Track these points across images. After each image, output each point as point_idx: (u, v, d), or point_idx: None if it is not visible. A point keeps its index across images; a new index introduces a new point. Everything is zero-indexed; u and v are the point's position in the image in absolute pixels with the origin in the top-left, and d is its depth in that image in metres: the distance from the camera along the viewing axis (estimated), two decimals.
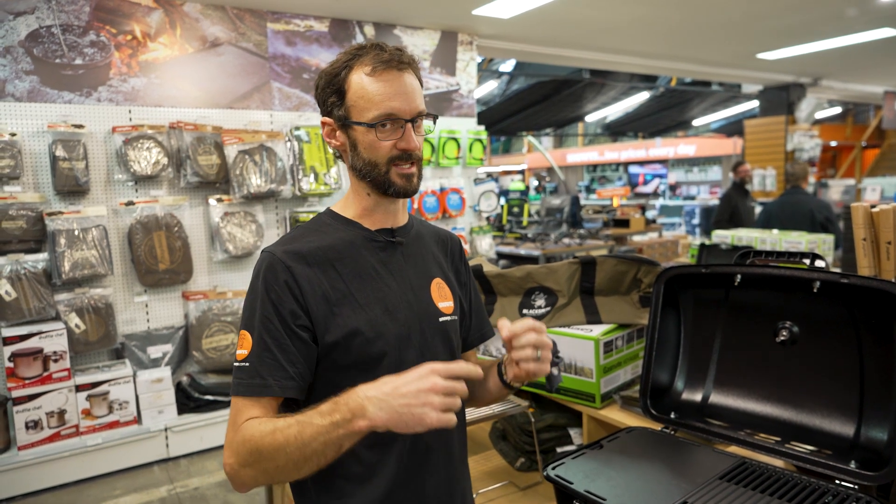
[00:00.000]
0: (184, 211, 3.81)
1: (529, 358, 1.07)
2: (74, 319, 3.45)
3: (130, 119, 3.72)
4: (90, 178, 3.52)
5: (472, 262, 1.85)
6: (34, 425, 3.29)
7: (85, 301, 3.49)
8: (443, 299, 1.20)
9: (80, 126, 3.48)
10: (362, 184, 1.13)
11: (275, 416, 1.00)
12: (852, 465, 1.04)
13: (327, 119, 1.14)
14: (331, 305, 1.06)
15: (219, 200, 3.90)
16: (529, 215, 7.08)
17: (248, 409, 1.00)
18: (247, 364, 1.02)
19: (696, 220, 11.74)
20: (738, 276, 1.26)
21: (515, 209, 7.10)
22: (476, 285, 1.39)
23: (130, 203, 3.64)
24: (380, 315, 1.09)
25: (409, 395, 0.87)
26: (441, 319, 1.18)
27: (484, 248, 5.14)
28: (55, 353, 3.31)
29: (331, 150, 1.18)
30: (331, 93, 1.11)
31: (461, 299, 1.26)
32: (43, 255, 3.40)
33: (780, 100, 8.48)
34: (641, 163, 18.43)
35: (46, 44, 3.49)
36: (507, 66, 10.29)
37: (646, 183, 18.66)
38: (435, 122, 1.16)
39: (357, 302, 1.08)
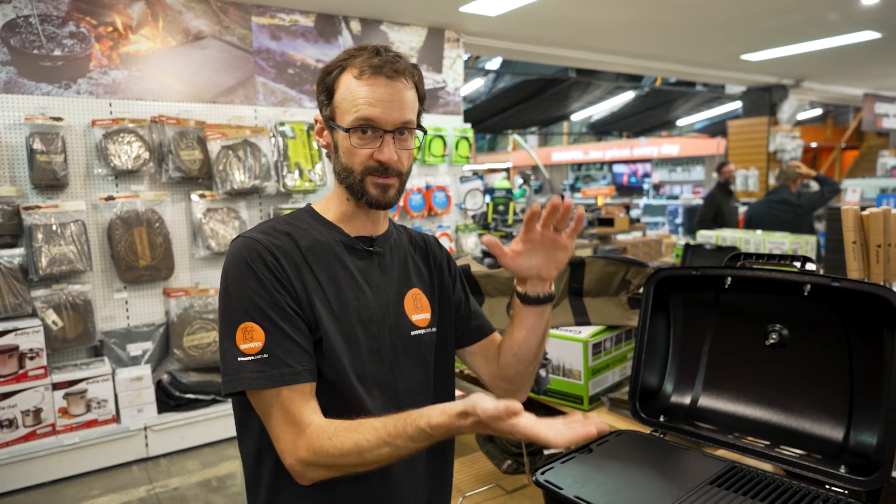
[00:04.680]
0: (165, 206, 3.75)
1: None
2: (52, 316, 3.37)
3: (111, 112, 3.65)
4: (69, 171, 3.45)
5: (459, 262, 1.83)
6: (9, 424, 3.22)
7: (63, 297, 3.41)
8: (418, 311, 1.16)
9: (59, 119, 3.40)
10: (341, 188, 1.11)
11: (353, 424, 0.94)
12: (842, 470, 1.03)
13: (318, 116, 1.12)
14: (308, 304, 1.02)
15: (201, 196, 3.84)
16: (515, 213, 7.08)
17: (297, 403, 0.97)
18: (265, 355, 0.96)
19: (679, 220, 11.83)
20: (729, 279, 1.25)
21: (501, 207, 7.08)
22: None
23: (110, 198, 3.57)
24: (353, 325, 1.05)
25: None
26: (413, 333, 1.14)
27: (469, 246, 5.12)
28: (31, 350, 3.24)
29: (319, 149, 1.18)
30: (322, 90, 1.09)
31: (446, 305, 1.22)
32: (19, 251, 3.31)
33: (763, 101, 8.56)
34: (626, 162, 18.54)
35: (24, 34, 3.41)
36: (494, 63, 10.28)
37: (630, 183, 18.78)
38: (424, 136, 1.13)
39: (331, 308, 1.04)
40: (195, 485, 3.33)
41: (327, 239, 1.09)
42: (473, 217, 5.32)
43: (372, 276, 1.11)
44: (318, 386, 1.01)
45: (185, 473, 3.47)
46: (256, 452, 1.08)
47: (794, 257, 1.19)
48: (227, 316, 1.00)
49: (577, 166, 20.48)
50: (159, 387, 3.73)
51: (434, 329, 1.18)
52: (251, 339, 0.97)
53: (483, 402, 0.86)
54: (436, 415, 0.90)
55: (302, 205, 4.78)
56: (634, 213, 11.60)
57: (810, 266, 1.17)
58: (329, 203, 1.14)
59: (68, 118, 3.49)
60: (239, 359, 0.97)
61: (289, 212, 1.13)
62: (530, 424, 0.83)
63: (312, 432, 0.95)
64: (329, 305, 1.04)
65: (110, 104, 3.66)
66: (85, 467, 3.42)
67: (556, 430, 0.83)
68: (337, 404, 1.02)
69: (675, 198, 15.53)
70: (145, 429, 3.58)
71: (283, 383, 0.96)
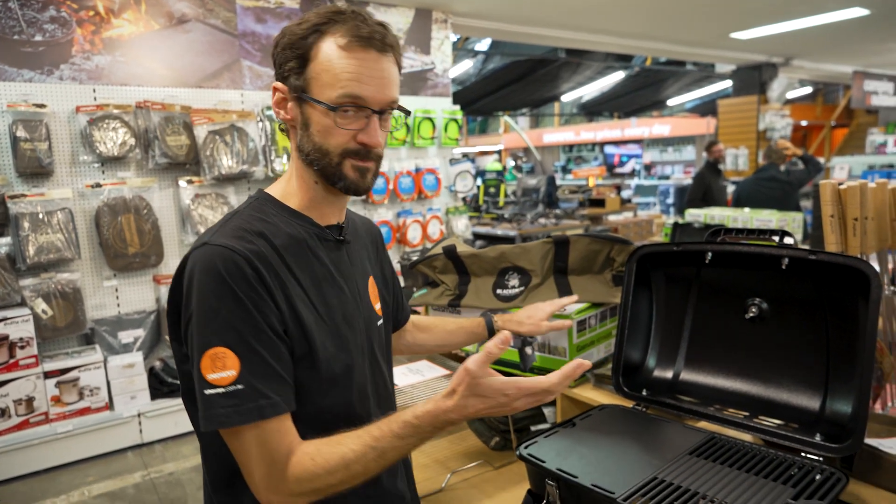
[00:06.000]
0: (153, 193, 3.73)
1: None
2: (41, 305, 3.37)
3: (95, 98, 3.61)
4: (54, 159, 3.42)
5: (445, 243, 1.83)
6: (1, 413, 3.22)
7: (51, 286, 3.40)
8: (376, 300, 1.13)
9: (42, 105, 3.37)
10: (309, 171, 0.99)
11: (334, 438, 0.88)
12: (817, 438, 1.05)
13: (280, 85, 0.97)
14: (293, 316, 0.92)
15: (189, 182, 3.82)
16: (506, 196, 7.08)
17: (275, 435, 0.87)
18: (240, 386, 0.84)
19: (670, 200, 11.86)
20: (709, 254, 1.26)
21: (492, 189, 7.09)
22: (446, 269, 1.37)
23: (97, 185, 3.55)
24: (340, 325, 0.99)
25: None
26: (379, 324, 1.12)
27: (460, 228, 5.13)
28: (21, 339, 3.24)
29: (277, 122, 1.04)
30: (292, 56, 0.94)
31: (385, 294, 1.20)
32: (6, 240, 3.30)
33: (753, 79, 8.56)
34: (617, 143, 18.51)
35: (3, 19, 3.36)
36: (483, 45, 10.21)
37: (621, 164, 18.76)
38: (407, 118, 1.06)
39: (317, 312, 0.96)
40: (190, 469, 3.36)
41: (300, 233, 0.98)
42: (464, 199, 5.32)
43: (344, 269, 1.04)
44: (310, 401, 0.93)
45: (179, 458, 3.49)
46: (227, 478, 0.97)
47: (773, 231, 1.20)
48: (194, 339, 0.87)
49: (569, 147, 20.44)
50: (152, 373, 3.74)
51: (383, 318, 1.15)
52: (222, 368, 0.84)
53: (469, 360, 0.85)
54: (420, 404, 0.88)
55: None
56: (626, 193, 11.63)
57: (788, 240, 1.18)
58: (289, 188, 1.02)
59: (52, 105, 3.45)
60: (206, 391, 0.85)
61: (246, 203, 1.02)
62: (522, 379, 0.86)
63: (293, 460, 0.87)
64: (314, 309, 0.95)
65: (94, 90, 3.62)
66: (80, 454, 3.44)
67: (551, 376, 0.87)
68: (333, 417, 0.96)
69: (667, 178, 15.55)
70: (139, 415, 3.60)
71: (260, 417, 0.85)
